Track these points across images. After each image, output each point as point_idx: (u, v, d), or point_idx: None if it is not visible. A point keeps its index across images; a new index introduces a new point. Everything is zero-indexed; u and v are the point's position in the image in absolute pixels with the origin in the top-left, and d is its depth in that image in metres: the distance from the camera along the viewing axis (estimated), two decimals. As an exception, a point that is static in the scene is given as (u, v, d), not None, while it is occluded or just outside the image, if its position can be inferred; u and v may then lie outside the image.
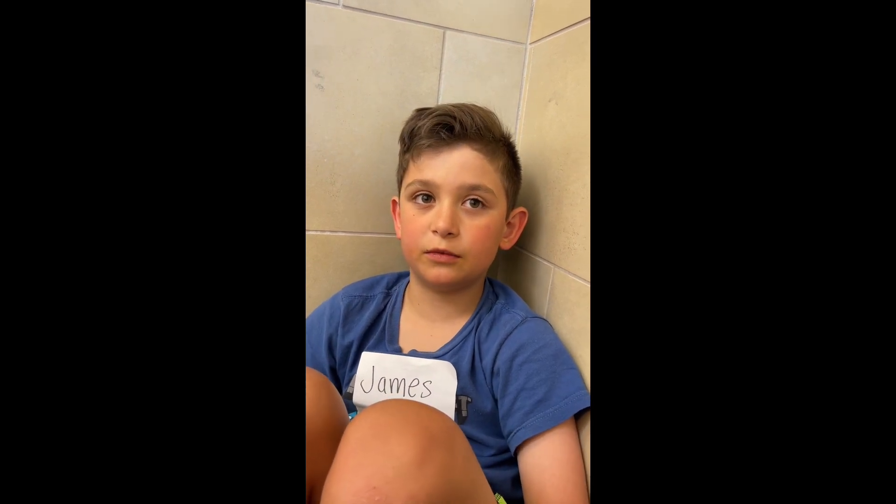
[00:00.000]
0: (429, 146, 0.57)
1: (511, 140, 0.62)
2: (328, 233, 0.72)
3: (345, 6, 0.66)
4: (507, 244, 0.64)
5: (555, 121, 0.66)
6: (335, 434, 0.41)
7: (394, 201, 0.66)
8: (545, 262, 0.67)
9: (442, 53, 0.72)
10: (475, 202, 0.57)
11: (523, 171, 0.66)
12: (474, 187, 0.56)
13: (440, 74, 0.73)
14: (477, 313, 0.62)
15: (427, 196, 0.58)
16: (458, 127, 0.56)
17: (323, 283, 0.73)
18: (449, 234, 0.56)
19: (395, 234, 0.68)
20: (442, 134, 0.56)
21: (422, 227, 0.57)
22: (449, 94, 0.74)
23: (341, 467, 0.34)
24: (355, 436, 0.36)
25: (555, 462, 0.51)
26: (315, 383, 0.45)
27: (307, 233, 0.71)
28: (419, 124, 0.58)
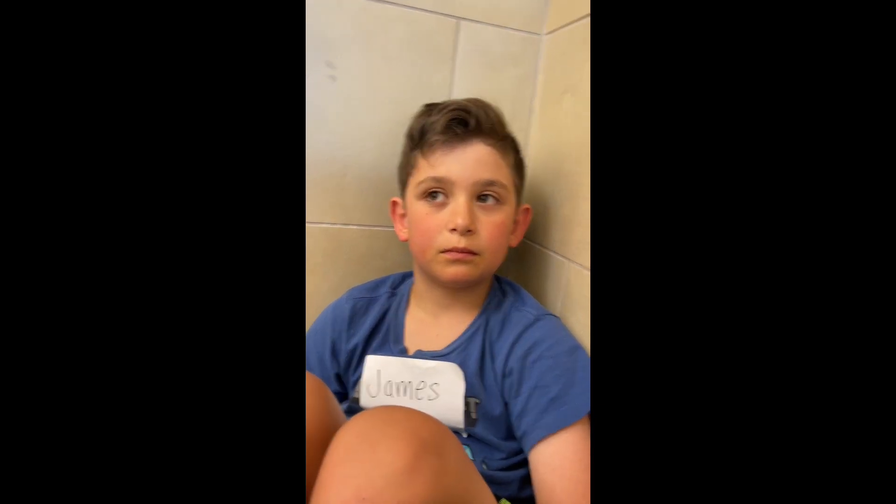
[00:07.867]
0: (442, 142, 0.56)
1: (514, 137, 0.61)
2: (339, 226, 0.71)
3: (357, -5, 0.66)
4: (514, 241, 0.62)
5: (570, 113, 0.65)
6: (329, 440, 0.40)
7: (394, 202, 0.63)
8: (559, 258, 0.66)
9: (456, 44, 0.71)
10: (489, 198, 0.56)
11: (537, 165, 0.64)
12: (490, 182, 0.55)
13: (454, 66, 0.72)
14: (484, 311, 0.60)
15: (439, 193, 0.57)
16: (472, 122, 0.55)
17: (332, 278, 0.72)
18: (468, 232, 0.55)
19: None
20: (456, 129, 0.55)
21: (436, 225, 0.56)
22: (462, 85, 0.72)
23: (328, 477, 0.33)
24: (343, 444, 0.35)
25: (566, 462, 0.49)
26: (310, 388, 0.44)
27: (318, 225, 0.70)
28: (431, 120, 0.57)
